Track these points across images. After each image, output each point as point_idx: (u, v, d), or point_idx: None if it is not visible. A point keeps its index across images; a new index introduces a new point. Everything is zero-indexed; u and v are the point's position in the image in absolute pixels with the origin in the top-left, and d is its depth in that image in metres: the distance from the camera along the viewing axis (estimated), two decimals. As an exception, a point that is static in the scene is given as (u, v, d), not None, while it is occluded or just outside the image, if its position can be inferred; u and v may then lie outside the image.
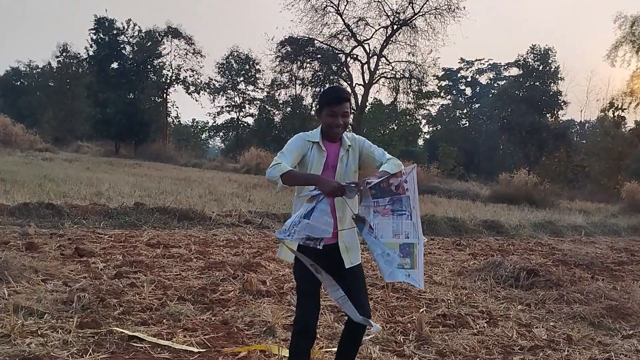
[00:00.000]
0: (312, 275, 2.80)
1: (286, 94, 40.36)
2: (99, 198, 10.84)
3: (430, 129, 59.70)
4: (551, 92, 41.04)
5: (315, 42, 31.47)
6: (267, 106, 46.73)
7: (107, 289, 4.89)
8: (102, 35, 39.01)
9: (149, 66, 41.41)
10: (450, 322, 4.90)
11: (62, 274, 5.35)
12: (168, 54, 44.09)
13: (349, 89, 33.13)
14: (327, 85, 35.04)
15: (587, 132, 53.20)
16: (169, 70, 44.75)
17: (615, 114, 32.17)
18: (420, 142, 56.06)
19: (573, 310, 5.45)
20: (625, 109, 31.83)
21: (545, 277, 6.58)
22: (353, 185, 2.75)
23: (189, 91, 46.42)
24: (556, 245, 10.96)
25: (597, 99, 58.27)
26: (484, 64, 58.47)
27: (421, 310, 5.25)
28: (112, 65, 39.58)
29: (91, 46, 39.29)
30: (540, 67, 41.36)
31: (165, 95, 45.64)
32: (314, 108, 40.95)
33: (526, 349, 4.32)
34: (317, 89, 35.85)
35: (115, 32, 39.49)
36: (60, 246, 6.64)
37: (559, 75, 41.37)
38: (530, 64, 41.70)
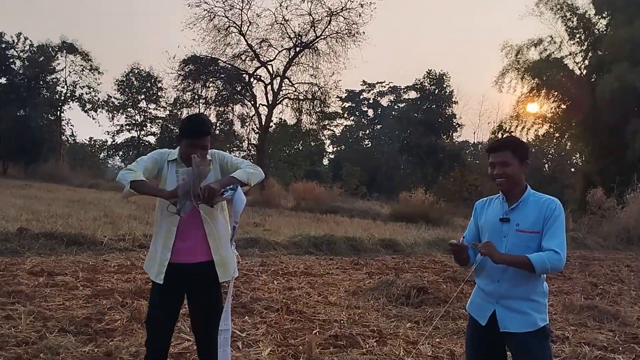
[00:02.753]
0: (167, 303, 3.03)
1: (189, 113, 39.67)
2: (-21, 223, 10.09)
3: (335, 149, 60.89)
4: (446, 115, 43.21)
5: (219, 61, 31.29)
6: (169, 125, 45.71)
7: (-22, 324, 4.54)
8: (-12, 49, 36.73)
9: (41, 82, 39.37)
10: (341, 343, 4.97)
11: None
12: (62, 69, 42.15)
13: (253, 110, 33.23)
14: (231, 106, 34.95)
15: (480, 153, 56.34)
16: (63, 87, 42.76)
17: (504, 136, 34.33)
18: (325, 161, 57.00)
19: (457, 326, 5.71)
20: (512, 131, 34.01)
21: (434, 294, 6.86)
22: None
23: (85, 109, 44.54)
24: (448, 263, 11.45)
25: (489, 121, 62.26)
26: (384, 87, 60.61)
27: (314, 331, 5.30)
28: (0, 81, 37.27)
29: (-24, 60, 36.84)
30: (436, 91, 43.48)
31: (59, 112, 43.44)
32: (217, 128, 40.63)
33: (412, 366, 4.47)
34: (221, 109, 35.55)
35: (3, 45, 37.29)
36: None
37: (453, 99, 43.68)
38: (427, 87, 43.74)
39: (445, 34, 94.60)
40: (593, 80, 28.99)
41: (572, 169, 45.63)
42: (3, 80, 37.43)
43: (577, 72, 30.95)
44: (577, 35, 30.26)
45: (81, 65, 42.60)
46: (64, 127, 44.88)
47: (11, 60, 37.73)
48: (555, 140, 43.61)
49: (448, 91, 43.52)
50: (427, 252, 12.69)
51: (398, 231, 16.37)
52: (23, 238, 8.59)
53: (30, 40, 39.25)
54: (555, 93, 31.10)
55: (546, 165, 47.43)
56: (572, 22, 30.01)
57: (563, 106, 31.50)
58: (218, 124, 39.99)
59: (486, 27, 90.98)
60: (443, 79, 43.33)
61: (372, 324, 5.73)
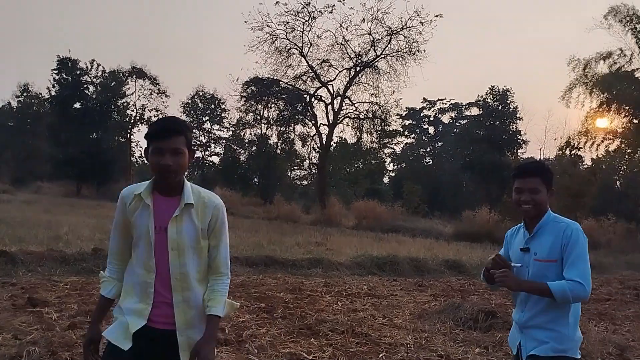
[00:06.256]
0: None
1: (251, 133, 40.56)
2: (57, 242, 10.61)
3: (395, 167, 60.47)
4: (511, 132, 42.03)
5: (280, 82, 31.90)
6: (232, 145, 46.75)
7: (60, 342, 4.76)
8: (64, 75, 38.72)
9: (112, 106, 41.18)
10: (408, 368, 4.91)
11: (12, 326, 5.19)
12: (132, 94, 44.01)
13: (313, 129, 33.50)
14: (292, 126, 35.38)
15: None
16: (133, 110, 44.61)
17: (572, 152, 33.13)
18: (386, 179, 56.68)
19: (529, 352, 5.52)
20: (581, 148, 32.83)
21: (503, 318, 6.67)
22: None
23: (153, 131, 46.23)
24: (516, 284, 11.13)
25: (555, 137, 60.24)
26: (445, 104, 59.86)
27: (380, 355, 5.25)
28: (75, 105, 39.23)
29: (53, 86, 38.91)
30: (500, 107, 42.47)
31: (129, 135, 45.33)
32: (278, 147, 41.24)
33: (482, 394, 4.36)
34: (282, 128, 36.19)
35: (78, 72, 39.29)
36: (12, 296, 6.44)
37: (517, 115, 42.51)
38: (490, 104, 42.82)
39: (508, 50, 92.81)
40: (667, 93, 27.71)
41: (647, 186, 43.51)
42: (78, 105, 39.34)
43: (650, 85, 29.61)
44: (649, 48, 29.00)
45: (149, 89, 44.36)
46: (133, 149, 46.75)
47: (85, 86, 39.66)
48: (627, 157, 41.71)
49: (512, 107, 42.44)
50: (494, 273, 12.35)
51: (462, 251, 16.07)
52: (98, 258, 8.95)
53: (103, 67, 41.23)
54: (627, 107, 29.83)
55: (618, 183, 45.40)
56: (644, 34, 28.80)
57: (635, 121, 30.19)
58: (279, 144, 40.79)
59: (551, 41, 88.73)
60: (507, 94, 42.29)
61: (439, 349, 5.62)
